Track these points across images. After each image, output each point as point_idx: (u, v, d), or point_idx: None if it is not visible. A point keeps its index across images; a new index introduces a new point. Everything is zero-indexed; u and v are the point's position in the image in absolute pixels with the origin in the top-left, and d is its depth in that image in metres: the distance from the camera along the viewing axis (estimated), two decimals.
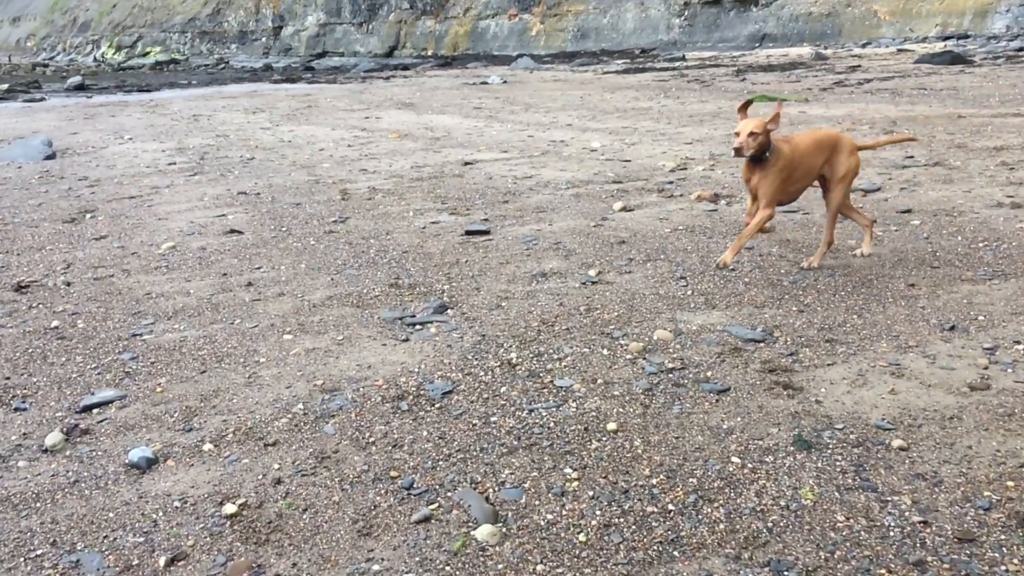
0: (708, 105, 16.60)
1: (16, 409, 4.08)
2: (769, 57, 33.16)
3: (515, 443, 3.51)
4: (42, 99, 27.16)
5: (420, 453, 3.48)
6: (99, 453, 3.61)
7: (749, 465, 3.26)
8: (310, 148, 12.92)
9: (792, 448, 3.37)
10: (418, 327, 4.99)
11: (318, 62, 51.07)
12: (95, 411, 4.04)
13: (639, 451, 3.39)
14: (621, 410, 3.74)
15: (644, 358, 4.30)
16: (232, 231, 7.58)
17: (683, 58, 35.37)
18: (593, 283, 5.58)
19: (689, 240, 6.51)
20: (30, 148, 12.83)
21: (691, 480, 3.18)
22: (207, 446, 3.63)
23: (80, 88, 31.78)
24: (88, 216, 8.43)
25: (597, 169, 9.87)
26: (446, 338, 4.78)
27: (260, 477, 3.36)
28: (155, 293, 5.86)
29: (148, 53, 63.07)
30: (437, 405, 3.92)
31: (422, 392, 4.07)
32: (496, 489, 3.18)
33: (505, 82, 27.22)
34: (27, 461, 3.57)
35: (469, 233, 7.14)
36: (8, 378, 4.46)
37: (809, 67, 26.23)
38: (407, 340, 4.79)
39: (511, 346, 4.58)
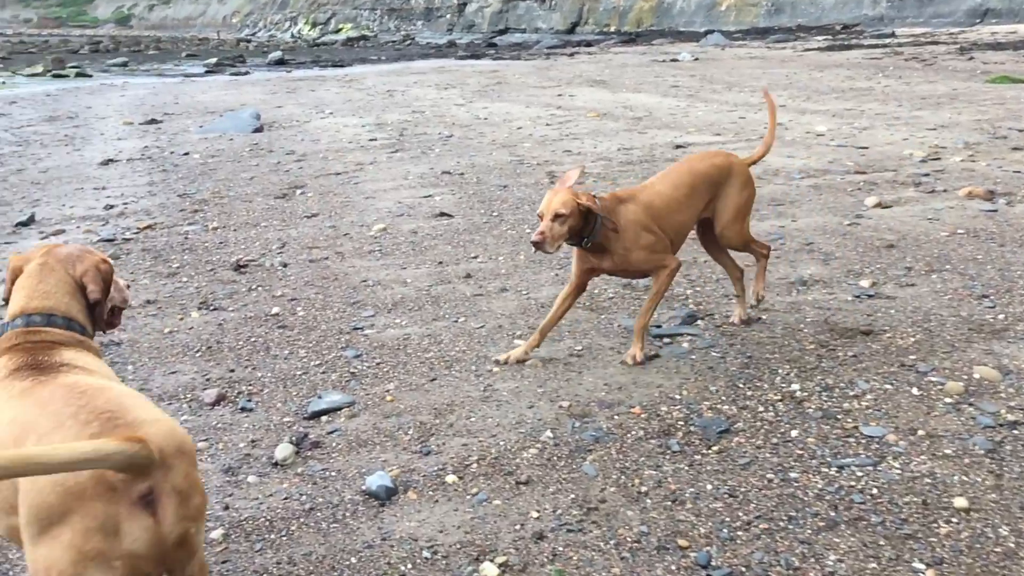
0: (938, 86, 14.87)
1: (243, 409, 3.76)
2: (994, 34, 29.92)
3: (832, 514, 2.79)
4: (246, 72, 28.46)
5: (709, 515, 2.83)
6: (332, 474, 3.20)
7: None
8: (507, 126, 12.50)
9: None
10: (667, 340, 4.34)
11: (500, 38, 51.19)
12: (324, 419, 3.65)
13: (1010, 544, 2.58)
14: (965, 479, 2.93)
15: (970, 404, 3.45)
16: (442, 214, 7.19)
17: (892, 34, 32.58)
18: (869, 296, 4.72)
19: (976, 247, 5.47)
20: (240, 121, 13.14)
21: None
22: (450, 477, 3.13)
23: (280, 63, 33.15)
24: (298, 192, 8.32)
25: (831, 156, 8.81)
26: (704, 357, 4.10)
27: (517, 527, 2.82)
28: (371, 281, 5.51)
29: (340, 29, 65.51)
30: (715, 447, 3.25)
31: (692, 428, 3.42)
32: None
33: (696, 59, 25.94)
34: (257, 476, 3.20)
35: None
36: (233, 370, 4.18)
37: None
38: (657, 356, 4.15)
39: (789, 374, 3.83)
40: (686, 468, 3.13)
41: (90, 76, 27.45)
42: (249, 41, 59.41)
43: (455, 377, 4.01)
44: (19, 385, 1.94)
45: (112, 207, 7.96)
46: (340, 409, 3.71)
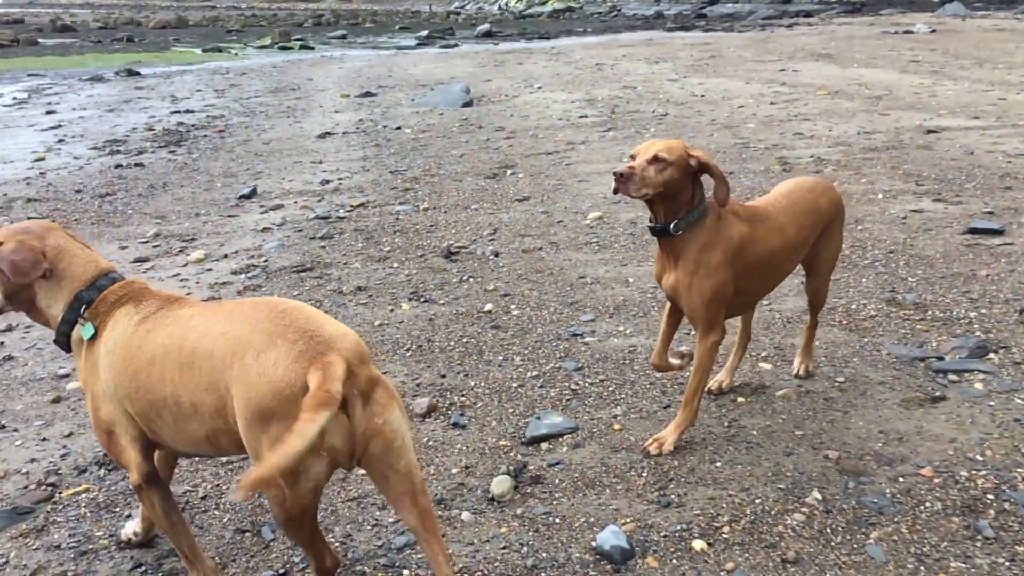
0: None
1: (455, 425, 3.40)
2: None
3: None
4: (455, 45, 28.81)
5: None
6: (557, 521, 2.75)
7: None
8: (727, 104, 11.61)
9: None
10: (953, 378, 3.56)
11: (710, 9, 49.10)
12: (544, 446, 3.22)
13: None
14: None
15: None
16: None
17: None
18: None
19: None
20: (450, 95, 13.07)
21: None
22: (698, 543, 2.60)
23: (488, 35, 33.37)
24: (508, 172, 7.99)
25: None
26: (1006, 404, 3.30)
27: None
28: (589, 278, 5.04)
29: (546, 1, 65.50)
30: None
31: (1005, 505, 2.69)
32: None
33: (934, 31, 23.45)
34: (472, 514, 2.82)
35: (974, 231, 5.42)
36: (444, 376, 3.85)
37: None
38: (942, 399, 3.39)
39: None
40: (1006, 564, 2.43)
41: (312, 48, 28.79)
42: (458, 14, 60.63)
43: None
44: (201, 306, 2.20)
45: (328, 182, 7.97)
46: (562, 435, 3.26)
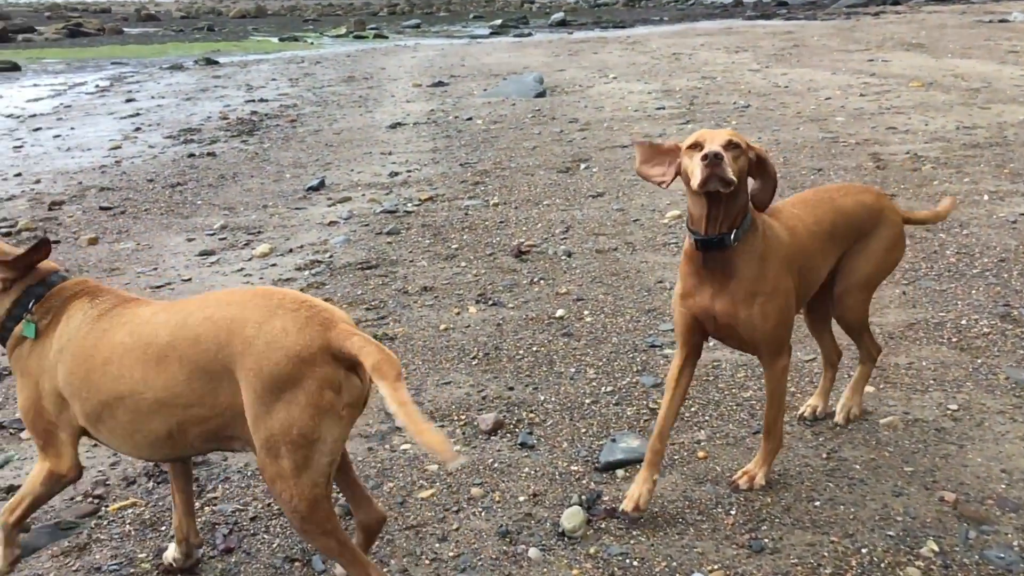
0: None
1: (523, 445, 3.15)
2: None
3: None
4: (529, 34, 28.49)
5: None
6: (635, 564, 2.47)
7: None
8: (813, 96, 11.06)
9: None
10: None
11: None
12: (619, 473, 2.94)
13: None
14: None
15: None
16: None
17: None
18: None
19: None
20: (523, 85, 12.79)
21: None
22: None
23: (562, 24, 32.95)
24: (582, 166, 7.69)
25: None
26: None
27: None
28: (668, 282, 4.72)
29: None
30: None
31: None
32: None
33: None
34: (539, 550, 2.56)
35: None
36: (512, 388, 3.60)
37: None
38: None
39: None
40: None
41: (386, 38, 28.85)
42: (532, 2, 60.20)
43: (785, 432, 3.13)
44: (163, 304, 2.19)
45: (396, 174, 7.79)
46: (640, 462, 2.96)
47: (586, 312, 4.36)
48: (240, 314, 1.99)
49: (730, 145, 2.41)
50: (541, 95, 12.32)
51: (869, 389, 3.42)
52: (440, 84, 14.32)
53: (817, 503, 2.70)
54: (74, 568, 2.56)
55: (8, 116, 12.80)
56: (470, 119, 10.62)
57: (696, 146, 2.44)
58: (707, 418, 3.27)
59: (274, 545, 2.65)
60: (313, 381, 1.91)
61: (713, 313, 2.55)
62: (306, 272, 5.22)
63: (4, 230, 6.44)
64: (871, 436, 3.08)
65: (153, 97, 14.27)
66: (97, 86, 16.29)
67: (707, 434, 3.16)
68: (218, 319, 2.00)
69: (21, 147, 10.12)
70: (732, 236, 2.47)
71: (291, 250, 5.72)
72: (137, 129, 11.07)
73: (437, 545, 2.59)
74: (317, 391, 1.92)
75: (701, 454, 3.02)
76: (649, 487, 2.65)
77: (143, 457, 2.23)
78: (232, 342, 1.96)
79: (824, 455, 2.98)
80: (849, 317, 3.01)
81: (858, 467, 2.89)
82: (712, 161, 2.32)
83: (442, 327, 4.27)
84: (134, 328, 2.10)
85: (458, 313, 4.46)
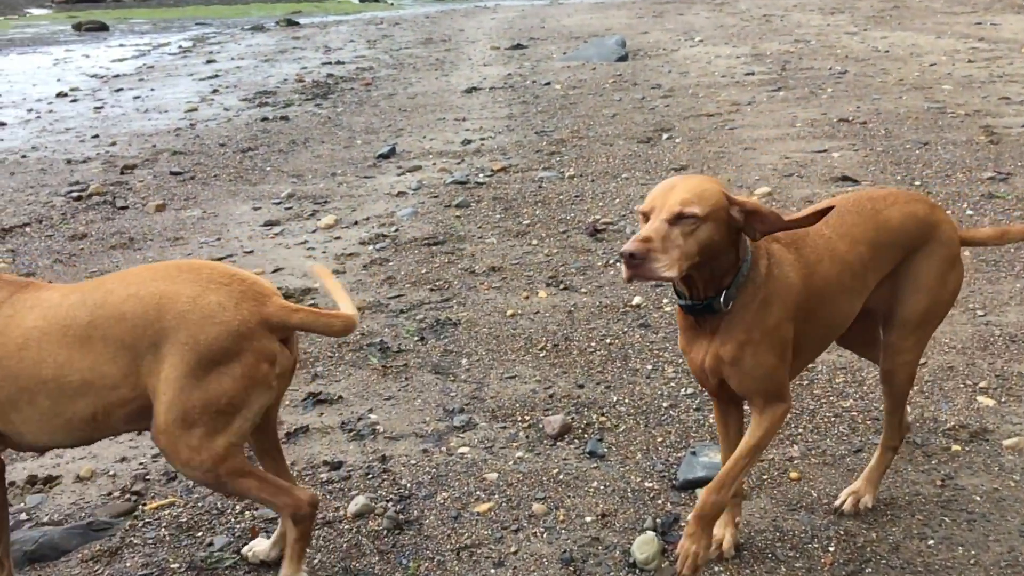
0: None
1: (591, 454, 2.85)
2: None
3: None
4: None
5: None
6: None
7: None
8: (916, 62, 10.30)
9: None
10: None
11: None
12: (699, 492, 2.62)
13: None
14: None
15: None
16: (844, 178, 5.73)
17: None
18: None
19: None
20: (604, 48, 12.29)
21: None
22: None
23: None
24: (664, 136, 7.25)
25: None
26: None
27: None
28: None
29: None
30: None
31: None
32: None
33: None
34: None
35: None
36: (582, 386, 3.29)
37: None
38: None
39: None
40: None
41: None
42: None
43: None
44: (72, 286, 2.13)
45: (469, 142, 7.50)
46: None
47: (665, 301, 4.02)
48: (170, 288, 1.98)
49: (678, 217, 1.91)
50: (623, 59, 11.82)
51: (988, 402, 3.01)
52: (518, 47, 13.91)
53: (931, 542, 2.34)
54: (103, 575, 2.39)
55: (92, 76, 12.97)
56: (548, 84, 10.23)
57: (646, 214, 1.99)
58: (800, 431, 2.92)
59: (315, 563, 2.43)
60: (251, 354, 1.97)
61: (707, 365, 2.12)
62: (370, 247, 5.00)
63: (75, 194, 6.41)
64: (992, 461, 2.69)
65: (233, 58, 14.27)
66: (180, 47, 16.41)
67: (800, 450, 2.81)
68: (144, 295, 1.98)
69: (101, 108, 10.18)
70: (723, 300, 2.03)
71: (356, 222, 5.50)
72: (215, 91, 11.03)
73: (493, 571, 2.33)
74: (254, 363, 1.98)
75: (794, 474, 2.68)
76: (706, 543, 2.11)
77: (54, 444, 2.13)
78: (163, 317, 1.95)
79: (938, 482, 2.60)
80: (901, 376, 2.39)
81: (978, 499, 2.51)
82: (628, 261, 1.88)
83: (509, 313, 3.99)
84: (45, 311, 2.02)
85: (527, 297, 4.16)
